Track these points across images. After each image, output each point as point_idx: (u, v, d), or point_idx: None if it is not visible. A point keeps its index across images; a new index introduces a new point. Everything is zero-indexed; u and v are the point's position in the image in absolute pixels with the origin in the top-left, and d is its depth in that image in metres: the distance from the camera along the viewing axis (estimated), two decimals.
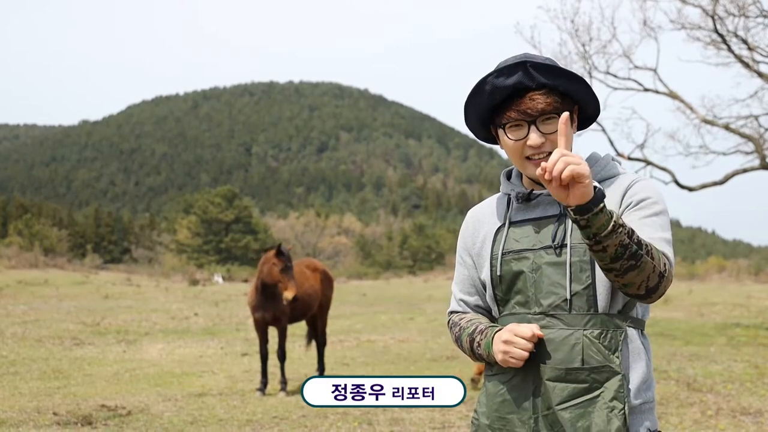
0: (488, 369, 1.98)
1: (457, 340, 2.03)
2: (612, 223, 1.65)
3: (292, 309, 8.12)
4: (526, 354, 1.81)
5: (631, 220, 1.84)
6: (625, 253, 1.67)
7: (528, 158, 1.89)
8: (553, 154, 1.65)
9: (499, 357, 1.85)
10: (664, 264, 1.75)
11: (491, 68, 1.94)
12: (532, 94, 1.86)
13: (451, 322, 2.08)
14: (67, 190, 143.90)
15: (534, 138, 1.86)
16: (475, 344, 1.94)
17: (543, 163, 1.66)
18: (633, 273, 1.70)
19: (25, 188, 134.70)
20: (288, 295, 7.57)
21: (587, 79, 16.41)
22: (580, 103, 1.95)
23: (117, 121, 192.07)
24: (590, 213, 1.64)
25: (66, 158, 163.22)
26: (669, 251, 1.81)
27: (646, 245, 1.71)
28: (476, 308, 2.05)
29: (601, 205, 1.64)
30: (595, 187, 1.66)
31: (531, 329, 1.81)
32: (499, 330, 1.89)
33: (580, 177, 1.61)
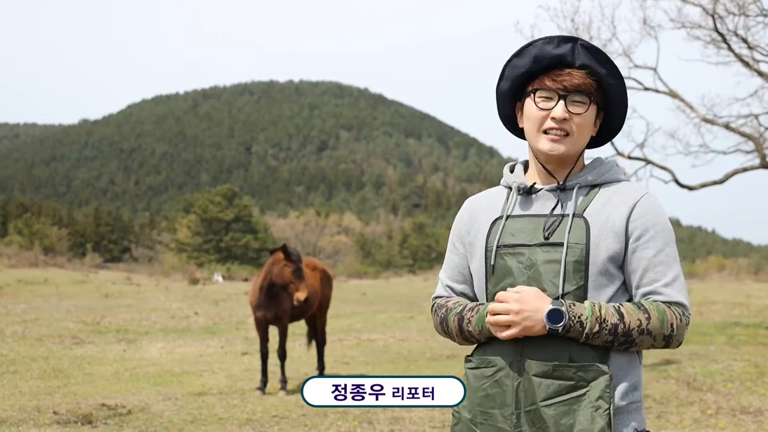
0: (468, 362, 1.96)
1: (442, 322, 2.01)
2: (584, 335, 1.77)
3: (293, 308, 8.12)
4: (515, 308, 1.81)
5: (639, 261, 1.85)
6: (613, 343, 1.79)
7: (545, 132, 1.90)
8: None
9: (491, 320, 1.85)
10: (671, 324, 1.80)
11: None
12: (572, 70, 1.89)
13: (436, 305, 2.06)
14: (67, 189, 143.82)
15: (560, 110, 1.88)
16: (465, 321, 1.93)
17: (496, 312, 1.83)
18: (633, 348, 1.82)
19: (24, 187, 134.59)
20: (300, 296, 7.64)
21: None
22: (609, 106, 1.96)
23: (117, 120, 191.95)
24: (557, 333, 1.78)
25: (66, 157, 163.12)
26: (680, 295, 1.84)
27: (639, 324, 1.78)
28: (462, 296, 2.04)
29: (560, 329, 1.76)
30: (545, 322, 1.77)
31: (515, 289, 1.84)
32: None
33: (520, 334, 1.80)
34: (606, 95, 1.94)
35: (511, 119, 2.04)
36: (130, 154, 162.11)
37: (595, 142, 2.02)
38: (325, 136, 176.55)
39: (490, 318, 1.84)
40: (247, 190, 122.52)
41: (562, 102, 1.88)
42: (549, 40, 1.91)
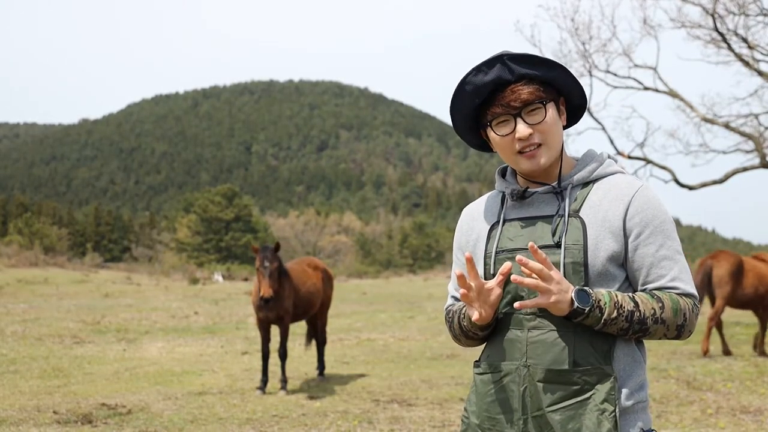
0: (476, 367, 1.96)
1: (451, 327, 2.01)
2: (602, 321, 1.76)
3: (295, 308, 8.11)
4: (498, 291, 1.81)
5: (642, 258, 1.84)
6: (628, 330, 1.79)
7: (520, 153, 1.89)
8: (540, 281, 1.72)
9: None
10: (684, 314, 1.82)
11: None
12: (514, 86, 1.87)
13: (446, 314, 2.07)
14: (67, 189, 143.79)
15: (522, 129, 1.86)
16: (465, 318, 1.92)
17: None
18: (646, 337, 1.82)
19: (25, 187, 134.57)
20: (260, 294, 7.50)
21: (587, 78, 16.31)
22: (564, 92, 1.94)
23: (117, 119, 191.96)
24: (577, 319, 1.77)
25: (66, 157, 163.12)
26: (689, 287, 1.85)
27: (653, 313, 1.78)
28: None
29: (581, 317, 1.75)
30: (574, 299, 1.74)
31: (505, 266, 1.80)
32: None
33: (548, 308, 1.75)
34: (555, 87, 1.92)
35: (484, 145, 2.04)
36: (130, 154, 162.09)
37: (568, 123, 2.02)
38: (325, 135, 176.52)
39: (516, 277, 1.72)
40: (247, 189, 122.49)
41: (519, 120, 1.86)
42: (477, 70, 1.88)
